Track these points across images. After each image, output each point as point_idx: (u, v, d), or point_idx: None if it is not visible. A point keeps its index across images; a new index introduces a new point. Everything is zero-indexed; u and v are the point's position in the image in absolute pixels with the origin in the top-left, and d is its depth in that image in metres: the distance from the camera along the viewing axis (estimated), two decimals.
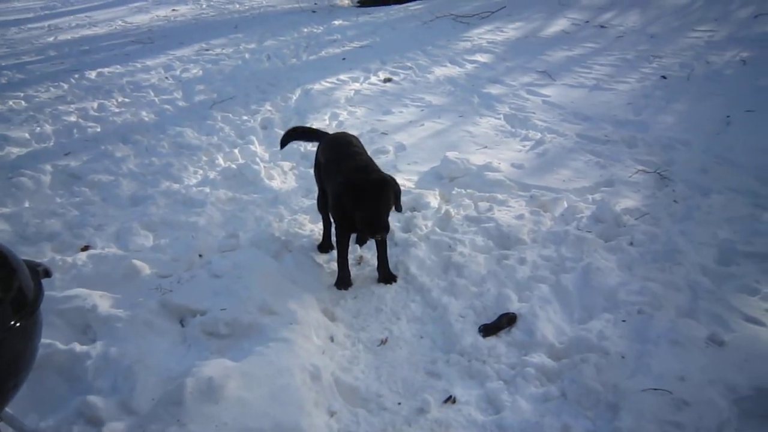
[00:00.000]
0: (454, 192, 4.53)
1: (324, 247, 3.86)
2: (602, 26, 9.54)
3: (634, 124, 5.89)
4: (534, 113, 6.22)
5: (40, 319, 1.99)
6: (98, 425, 2.29)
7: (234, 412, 2.23)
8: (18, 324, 1.80)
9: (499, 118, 6.13)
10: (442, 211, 4.20)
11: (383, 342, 2.99)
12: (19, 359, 1.90)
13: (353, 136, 4.05)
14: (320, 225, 4.20)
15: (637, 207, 4.38)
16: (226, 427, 2.17)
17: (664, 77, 7.06)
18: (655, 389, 2.48)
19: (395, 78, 7.59)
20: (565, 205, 4.38)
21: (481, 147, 5.40)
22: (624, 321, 3.03)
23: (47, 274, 2.15)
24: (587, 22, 9.87)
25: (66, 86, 7.92)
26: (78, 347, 2.72)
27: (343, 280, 3.45)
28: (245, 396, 2.30)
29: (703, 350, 2.79)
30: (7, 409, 2.12)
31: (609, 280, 3.39)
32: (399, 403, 2.63)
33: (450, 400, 2.63)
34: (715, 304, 3.21)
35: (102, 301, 3.03)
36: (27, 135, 6.09)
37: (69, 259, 3.62)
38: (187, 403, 2.22)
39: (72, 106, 7.09)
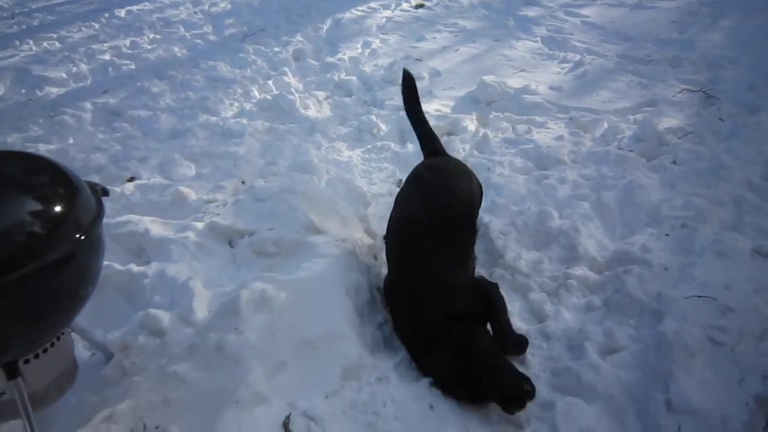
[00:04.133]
0: (491, 116, 4.47)
1: None
2: None
3: (679, 43, 5.66)
4: (572, 35, 6.02)
5: (102, 235, 2.09)
6: (161, 335, 2.41)
7: (287, 321, 2.33)
8: (84, 237, 1.88)
9: (536, 41, 5.96)
10: (480, 135, 4.17)
11: None
12: (87, 272, 2.00)
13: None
14: (358, 153, 4.20)
15: (680, 126, 4.28)
16: (281, 334, 2.28)
17: None
18: (700, 296, 2.49)
19: (427, 3, 7.37)
20: (606, 125, 4.31)
21: (518, 70, 5.28)
22: (667, 235, 3.02)
23: (105, 192, 2.24)
24: None
25: (97, 25, 7.90)
26: (135, 268, 2.84)
27: None
28: (297, 307, 2.40)
29: (748, 261, 2.78)
30: (78, 322, 2.26)
31: (651, 197, 3.36)
32: None
33: None
34: (761, 219, 3.17)
35: (153, 226, 3.13)
36: (64, 75, 6.16)
37: (117, 189, 3.73)
38: (243, 312, 2.32)
39: (105, 44, 7.10)
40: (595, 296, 2.71)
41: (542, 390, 2.30)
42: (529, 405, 2.20)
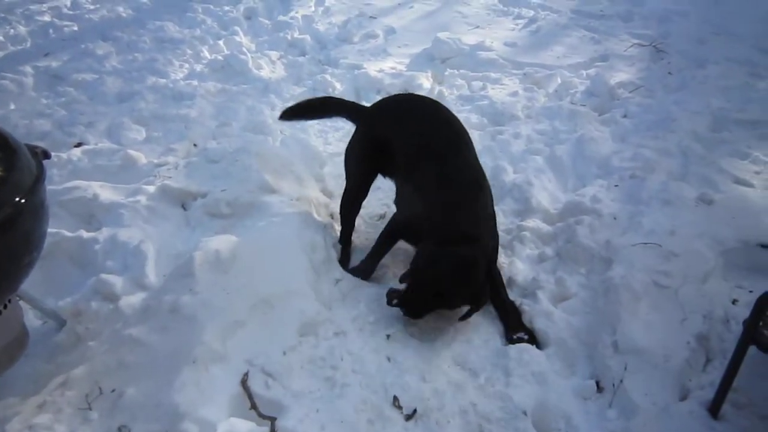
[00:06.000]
0: (446, 73, 4.47)
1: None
2: None
3: None
4: None
5: (45, 199, 2.03)
6: (115, 300, 2.37)
7: (243, 281, 2.32)
8: (25, 201, 1.82)
9: None
10: (435, 92, 4.16)
11: (381, 217, 3.06)
12: (30, 237, 1.95)
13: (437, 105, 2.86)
14: None
15: (631, 80, 4.37)
16: (237, 294, 2.27)
17: None
18: (646, 243, 2.58)
19: None
20: (559, 81, 4.36)
21: (473, 27, 5.28)
22: (617, 186, 3.10)
23: (46, 155, 2.17)
24: None
25: None
26: (85, 234, 2.76)
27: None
28: (253, 266, 2.39)
29: (692, 209, 2.89)
30: (27, 291, 2.21)
31: (602, 149, 3.44)
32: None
33: None
34: (706, 168, 3.28)
35: (102, 191, 3.04)
36: (1, 38, 5.82)
37: (64, 155, 3.60)
38: (197, 274, 2.30)
39: (44, 5, 6.72)
40: (548, 247, 2.78)
41: (496, 338, 2.36)
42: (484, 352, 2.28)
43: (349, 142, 2.88)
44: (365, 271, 2.68)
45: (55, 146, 3.89)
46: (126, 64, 5.05)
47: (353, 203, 2.83)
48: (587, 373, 2.23)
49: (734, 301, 2.46)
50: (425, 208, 2.47)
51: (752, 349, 1.90)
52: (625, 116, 3.87)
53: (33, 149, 2.10)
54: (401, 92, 3.27)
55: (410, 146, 2.62)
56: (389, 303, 2.37)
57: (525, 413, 2.04)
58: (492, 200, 2.60)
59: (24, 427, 1.93)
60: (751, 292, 2.50)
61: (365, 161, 2.77)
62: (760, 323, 1.88)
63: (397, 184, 2.78)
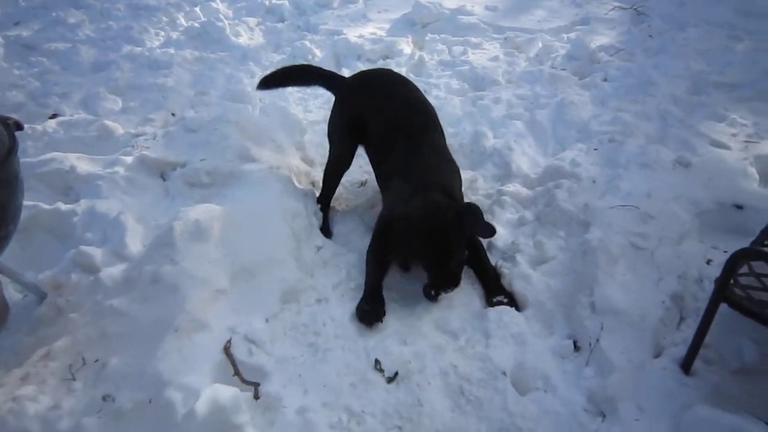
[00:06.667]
0: (427, 38, 4.43)
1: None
2: None
3: None
4: None
5: (19, 170, 2.00)
6: (95, 272, 2.36)
7: (224, 249, 2.33)
8: None
9: None
10: (416, 58, 4.12)
11: (363, 184, 3.07)
12: (5, 209, 1.92)
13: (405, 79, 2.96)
14: None
15: (612, 44, 4.35)
16: (218, 263, 2.28)
17: None
18: (623, 206, 2.61)
19: None
20: (540, 45, 4.34)
21: None
22: (596, 149, 3.12)
23: (18, 126, 2.13)
24: None
25: None
26: (63, 206, 2.73)
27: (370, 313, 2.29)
28: (233, 235, 2.39)
29: (670, 171, 2.92)
30: (6, 264, 2.19)
31: (582, 114, 3.44)
32: None
33: None
34: (684, 131, 3.30)
35: (79, 163, 3.01)
36: None
37: (39, 127, 3.53)
38: (177, 244, 2.29)
39: None
40: (527, 211, 2.80)
41: (476, 301, 2.40)
42: (464, 315, 2.31)
43: (331, 114, 2.89)
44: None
45: (30, 118, 3.82)
46: (100, 32, 4.94)
47: (337, 172, 2.84)
48: (565, 334, 2.27)
49: (708, 261, 2.50)
50: (398, 178, 2.48)
51: (723, 307, 1.95)
52: (605, 80, 3.87)
53: (5, 120, 2.05)
54: (376, 67, 3.26)
55: (382, 126, 2.64)
56: (433, 298, 2.33)
57: (504, 373, 2.09)
58: (461, 183, 2.64)
59: (8, 399, 1.93)
60: (725, 252, 2.54)
61: (346, 133, 2.77)
62: (731, 282, 1.92)
63: (373, 165, 2.77)
